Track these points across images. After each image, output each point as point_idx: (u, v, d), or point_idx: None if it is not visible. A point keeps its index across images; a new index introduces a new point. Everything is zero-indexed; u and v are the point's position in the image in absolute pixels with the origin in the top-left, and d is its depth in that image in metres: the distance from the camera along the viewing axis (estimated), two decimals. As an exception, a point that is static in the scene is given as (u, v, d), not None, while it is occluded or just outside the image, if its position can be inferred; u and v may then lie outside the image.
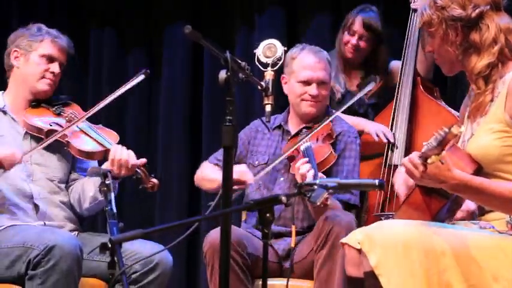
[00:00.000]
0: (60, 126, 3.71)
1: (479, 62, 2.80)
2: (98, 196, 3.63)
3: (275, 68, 2.95)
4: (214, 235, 3.67)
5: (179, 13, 5.49)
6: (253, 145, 4.07)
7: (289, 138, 4.01)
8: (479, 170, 2.75)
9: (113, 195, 3.37)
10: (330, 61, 4.01)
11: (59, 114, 3.78)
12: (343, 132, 3.98)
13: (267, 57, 3.00)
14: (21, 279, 3.43)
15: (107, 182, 3.38)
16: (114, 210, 3.29)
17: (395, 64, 4.57)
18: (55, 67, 3.78)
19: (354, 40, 4.49)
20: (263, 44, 3.19)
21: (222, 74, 2.63)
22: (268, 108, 2.91)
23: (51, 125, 3.71)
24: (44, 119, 3.74)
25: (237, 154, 4.03)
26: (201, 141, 5.42)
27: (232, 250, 3.62)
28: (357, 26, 4.49)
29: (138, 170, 3.63)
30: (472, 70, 2.82)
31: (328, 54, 4.05)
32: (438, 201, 2.76)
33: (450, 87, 4.80)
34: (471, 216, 2.95)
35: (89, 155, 3.67)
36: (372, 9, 4.53)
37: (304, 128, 3.99)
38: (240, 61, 2.71)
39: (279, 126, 4.06)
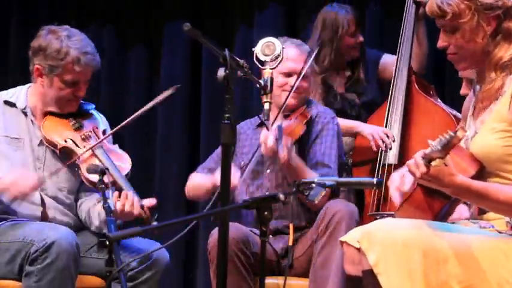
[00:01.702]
0: (75, 143, 3.61)
1: (508, 51, 2.74)
2: (103, 228, 3.56)
3: (274, 66, 2.95)
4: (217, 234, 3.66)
5: (179, 11, 5.49)
6: (237, 147, 4.05)
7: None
8: (482, 170, 2.74)
9: (110, 192, 3.38)
10: (310, 55, 4.01)
11: (76, 130, 3.66)
12: (319, 114, 4.01)
13: (266, 55, 3.00)
14: (21, 275, 3.42)
15: (105, 179, 3.39)
16: (112, 207, 3.30)
17: (387, 59, 4.57)
18: (80, 91, 3.64)
19: (360, 38, 4.54)
20: (261, 42, 3.18)
21: (221, 72, 2.64)
22: (266, 106, 2.91)
23: (66, 141, 3.61)
24: (60, 133, 3.63)
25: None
26: (199, 140, 5.42)
27: (236, 248, 3.64)
28: (353, 25, 4.51)
29: (141, 210, 3.51)
30: (499, 59, 2.74)
31: (309, 48, 4.07)
32: (440, 201, 2.75)
33: (448, 88, 4.80)
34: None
35: (95, 184, 3.48)
36: (346, 6, 4.61)
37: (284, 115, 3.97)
38: (238, 59, 2.72)
39: (261, 124, 4.02)
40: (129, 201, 3.46)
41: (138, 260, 3.49)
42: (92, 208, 3.64)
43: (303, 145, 3.94)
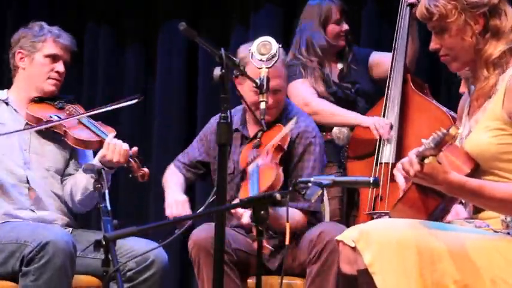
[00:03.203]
0: (60, 118, 3.76)
1: (498, 47, 2.75)
2: (90, 187, 3.63)
3: (270, 65, 2.95)
4: (198, 233, 3.66)
5: (175, 11, 5.49)
6: (215, 150, 3.86)
7: (247, 142, 3.87)
8: (477, 168, 2.74)
9: (107, 192, 3.38)
10: (286, 62, 3.88)
11: (60, 109, 3.83)
12: (300, 134, 3.82)
13: (262, 54, 3.00)
14: (15, 275, 3.43)
15: (101, 179, 3.39)
16: (108, 207, 3.30)
17: (376, 55, 4.58)
18: (60, 66, 3.82)
19: (344, 27, 4.52)
20: (258, 41, 3.19)
21: (217, 71, 2.64)
22: (262, 105, 2.92)
23: (51, 116, 3.75)
24: (45, 111, 3.79)
25: (199, 159, 4.02)
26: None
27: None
28: (337, 14, 4.51)
29: (130, 158, 3.70)
30: (489, 56, 2.75)
31: (284, 54, 3.81)
32: (434, 200, 2.75)
33: (444, 86, 4.81)
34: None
35: (85, 143, 3.74)
36: None
37: (259, 130, 3.82)
38: (234, 58, 2.72)
39: (237, 129, 3.90)
40: (111, 140, 3.68)
41: (136, 261, 3.50)
42: (78, 176, 3.76)
43: (284, 166, 3.76)
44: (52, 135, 3.78)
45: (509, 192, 2.66)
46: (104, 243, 2.73)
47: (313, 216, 3.84)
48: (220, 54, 2.64)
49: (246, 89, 3.74)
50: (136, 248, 3.54)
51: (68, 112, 3.82)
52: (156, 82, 5.56)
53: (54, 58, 3.81)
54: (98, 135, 3.74)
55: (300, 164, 3.82)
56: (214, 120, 4.01)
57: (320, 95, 4.41)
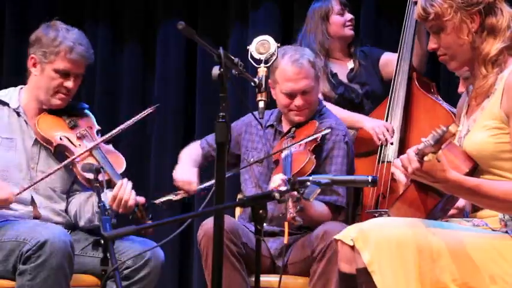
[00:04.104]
0: (70, 141, 3.63)
1: (495, 45, 2.76)
2: (94, 220, 3.61)
3: (268, 65, 2.95)
4: (209, 224, 3.66)
5: (174, 9, 5.49)
6: (247, 140, 4.05)
7: (280, 137, 3.98)
8: (475, 167, 2.75)
9: (106, 191, 3.37)
10: (313, 62, 3.93)
11: (71, 128, 3.68)
12: (331, 130, 3.91)
13: (260, 53, 2.99)
14: (15, 274, 3.42)
15: (100, 178, 3.39)
16: (107, 206, 3.30)
17: (387, 56, 4.59)
18: (69, 83, 3.64)
19: (348, 16, 4.53)
20: (256, 40, 3.18)
21: (215, 70, 2.64)
22: (261, 104, 2.91)
23: (61, 139, 3.63)
24: (55, 130, 3.65)
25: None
26: (194, 137, 5.41)
27: (226, 239, 3.62)
28: (338, 4, 4.52)
29: (135, 209, 3.57)
30: (486, 54, 2.77)
31: (310, 54, 3.97)
32: (433, 198, 2.75)
33: (444, 84, 4.81)
34: (461, 213, 2.95)
35: (90, 182, 3.53)
36: None
37: (293, 126, 3.96)
38: (233, 57, 2.72)
39: (272, 125, 4.03)
40: (124, 189, 3.51)
41: (133, 259, 3.49)
42: (83, 202, 3.66)
43: (316, 159, 3.83)
44: (61, 156, 3.64)
45: (506, 191, 2.66)
46: (102, 242, 2.73)
47: (338, 212, 3.87)
48: (219, 53, 2.64)
49: (277, 91, 3.93)
50: (133, 246, 3.54)
51: (79, 135, 3.66)
52: (155, 81, 5.56)
53: (64, 74, 3.62)
54: (108, 174, 3.55)
55: (328, 159, 3.90)
56: (241, 121, 4.14)
57: (325, 96, 4.42)
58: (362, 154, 4.30)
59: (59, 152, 3.64)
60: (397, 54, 4.42)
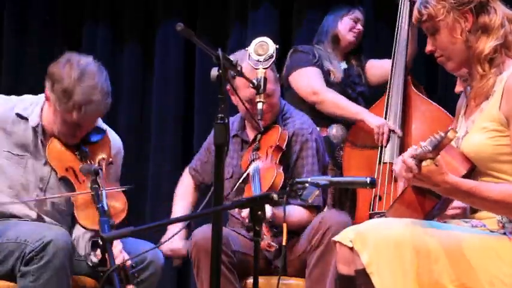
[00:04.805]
0: (75, 176, 3.49)
1: (488, 43, 2.78)
2: (87, 259, 3.49)
3: (267, 66, 2.96)
4: (198, 234, 3.67)
5: (173, 10, 5.49)
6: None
7: (247, 146, 3.94)
8: (473, 169, 2.75)
9: (104, 192, 3.37)
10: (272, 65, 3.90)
11: (81, 160, 3.52)
12: (296, 131, 3.89)
13: (259, 55, 3.00)
14: (13, 275, 3.41)
15: (98, 179, 3.38)
16: (106, 207, 3.29)
17: (372, 63, 4.67)
18: (81, 131, 3.50)
19: (359, 25, 4.64)
20: (255, 42, 3.18)
21: (214, 72, 2.64)
22: (259, 106, 2.92)
23: (67, 170, 3.50)
24: (63, 160, 3.51)
25: (204, 161, 4.05)
26: (192, 139, 5.42)
27: None
28: (358, 14, 4.66)
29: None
30: (480, 52, 2.78)
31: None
32: (431, 200, 2.76)
33: (441, 87, 4.81)
34: (464, 213, 2.95)
35: (83, 227, 3.44)
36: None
37: (258, 134, 3.91)
38: (232, 59, 2.72)
39: (236, 135, 3.98)
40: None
41: (133, 262, 3.48)
42: (80, 237, 3.54)
43: (284, 164, 3.82)
44: (69, 183, 3.52)
45: (504, 193, 2.66)
46: (101, 243, 2.73)
47: (317, 212, 3.86)
48: (218, 55, 2.64)
49: (240, 86, 3.77)
50: (133, 248, 3.53)
51: (85, 172, 3.44)
52: (154, 82, 5.56)
53: (74, 124, 3.45)
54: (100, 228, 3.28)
55: (299, 161, 3.87)
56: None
57: (333, 75, 4.49)
58: (359, 146, 4.30)
59: (65, 180, 3.53)
60: (380, 60, 4.56)
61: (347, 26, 4.64)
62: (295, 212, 3.78)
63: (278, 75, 3.97)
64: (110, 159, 3.61)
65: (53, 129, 3.52)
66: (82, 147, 3.55)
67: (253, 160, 3.78)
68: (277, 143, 3.80)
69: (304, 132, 3.90)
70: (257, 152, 3.83)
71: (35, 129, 3.54)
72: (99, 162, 3.54)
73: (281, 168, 3.76)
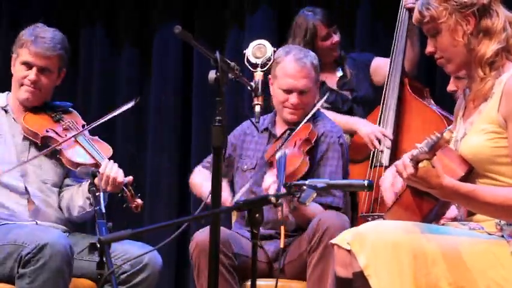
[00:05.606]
0: (56, 133, 3.69)
1: (490, 47, 2.77)
2: (86, 207, 3.64)
3: (265, 69, 2.96)
4: (200, 235, 3.67)
5: (170, 12, 5.50)
6: (242, 148, 4.05)
7: (274, 141, 3.98)
8: (471, 171, 2.75)
9: (101, 195, 3.38)
10: (316, 65, 3.94)
11: (57, 121, 3.74)
12: (326, 133, 3.93)
13: (257, 57, 3.01)
14: (11, 277, 3.42)
15: (96, 182, 3.40)
16: (103, 210, 3.30)
17: (378, 61, 4.60)
18: (31, 74, 3.67)
19: (334, 39, 4.53)
20: (253, 45, 3.20)
21: (212, 74, 2.64)
22: (257, 108, 2.92)
23: (47, 131, 3.68)
24: (41, 124, 3.71)
25: (226, 157, 4.05)
26: (190, 140, 5.42)
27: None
28: (323, 29, 4.50)
29: (124, 188, 3.60)
30: (482, 55, 2.77)
31: (314, 57, 3.97)
32: (429, 203, 2.76)
33: (439, 87, 4.81)
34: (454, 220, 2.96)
35: (79, 166, 3.62)
36: (316, 9, 4.59)
37: (288, 129, 3.96)
38: (229, 61, 2.72)
39: (267, 129, 4.04)
40: (110, 168, 3.56)
41: (130, 263, 3.50)
42: (74, 193, 3.70)
43: (311, 162, 3.86)
44: (48, 147, 3.68)
45: (502, 197, 2.66)
46: (98, 246, 2.73)
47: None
48: (216, 57, 2.64)
49: (275, 87, 3.93)
50: (130, 251, 3.54)
51: (64, 127, 3.72)
52: (152, 84, 5.56)
53: (27, 65, 3.68)
54: (94, 158, 3.63)
55: (323, 161, 3.90)
56: (240, 127, 4.14)
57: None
58: (355, 160, 4.31)
59: (46, 145, 3.68)
60: (387, 59, 4.45)
61: (324, 48, 4.51)
62: (314, 208, 3.78)
63: (318, 79, 4.00)
64: (83, 123, 3.81)
65: (17, 96, 3.73)
66: (54, 112, 3.77)
67: (281, 147, 3.81)
68: (307, 136, 3.86)
69: (334, 135, 3.94)
70: (286, 143, 3.86)
71: (4, 109, 3.75)
72: (73, 122, 3.76)
73: (308, 157, 3.80)
